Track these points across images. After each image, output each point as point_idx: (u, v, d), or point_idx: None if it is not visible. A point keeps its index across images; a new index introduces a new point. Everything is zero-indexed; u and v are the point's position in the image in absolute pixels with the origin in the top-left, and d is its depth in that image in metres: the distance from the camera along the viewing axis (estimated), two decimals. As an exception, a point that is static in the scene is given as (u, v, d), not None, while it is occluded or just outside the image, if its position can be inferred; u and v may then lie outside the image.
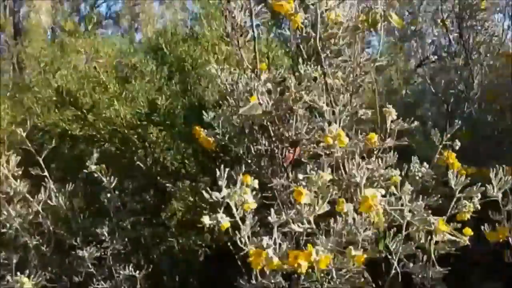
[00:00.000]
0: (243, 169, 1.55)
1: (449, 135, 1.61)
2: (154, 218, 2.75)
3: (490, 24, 2.47)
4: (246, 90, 1.52)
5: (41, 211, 1.76)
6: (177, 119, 2.62)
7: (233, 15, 1.55)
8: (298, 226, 1.14)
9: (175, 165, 2.86)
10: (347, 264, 1.16)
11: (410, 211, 1.17)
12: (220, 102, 2.17)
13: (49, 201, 1.79)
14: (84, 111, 2.84)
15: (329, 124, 1.30)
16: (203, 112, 1.66)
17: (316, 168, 1.30)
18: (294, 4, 1.32)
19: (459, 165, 1.65)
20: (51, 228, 1.79)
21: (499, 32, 2.53)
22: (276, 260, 1.11)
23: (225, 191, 1.14)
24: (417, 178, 1.51)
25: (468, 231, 1.27)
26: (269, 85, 1.45)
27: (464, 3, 2.35)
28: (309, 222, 1.15)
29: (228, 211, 1.28)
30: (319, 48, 1.34)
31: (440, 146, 1.62)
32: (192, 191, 2.76)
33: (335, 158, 1.32)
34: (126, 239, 1.99)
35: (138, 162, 2.83)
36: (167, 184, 2.80)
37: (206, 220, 1.20)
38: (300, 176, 1.26)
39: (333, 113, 1.31)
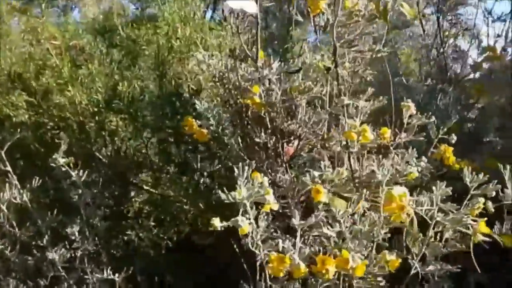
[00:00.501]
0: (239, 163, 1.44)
1: (445, 129, 1.58)
2: (117, 212, 2.58)
3: (464, 18, 2.49)
4: (247, 79, 1.40)
5: (5, 209, 1.55)
6: (143, 107, 2.45)
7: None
8: (329, 229, 1.05)
9: (138, 156, 2.68)
10: (373, 268, 1.09)
11: (440, 210, 1.11)
12: (208, 90, 2.04)
13: (13, 199, 1.58)
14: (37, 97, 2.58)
15: (349, 118, 1.21)
16: (195, 101, 1.52)
17: (325, 164, 1.21)
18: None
19: (454, 159, 1.64)
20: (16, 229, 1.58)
21: (471, 26, 2.56)
22: (303, 266, 1.02)
23: (245, 191, 1.02)
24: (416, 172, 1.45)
25: (485, 227, 1.23)
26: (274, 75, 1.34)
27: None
28: (340, 225, 1.06)
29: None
30: (334, 36, 1.24)
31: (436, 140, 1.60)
32: (156, 183, 2.61)
33: (352, 154, 1.23)
34: (97, 238, 1.82)
35: (96, 153, 2.63)
36: (130, 176, 2.63)
37: (216, 222, 1.07)
38: (316, 173, 1.17)
39: (356, 107, 1.22)
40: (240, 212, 1.03)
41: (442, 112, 1.95)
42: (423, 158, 1.43)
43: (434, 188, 1.10)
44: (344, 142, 1.37)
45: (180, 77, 2.24)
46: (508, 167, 1.30)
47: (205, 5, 2.92)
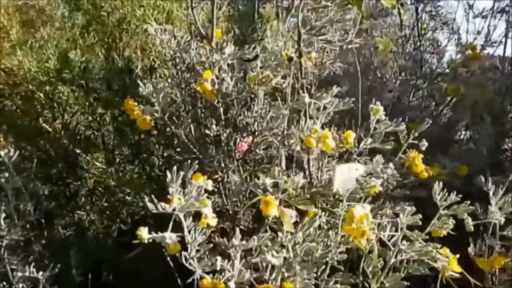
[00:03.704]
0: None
1: (416, 134, 1.44)
2: (62, 193, 2.39)
3: (444, 11, 2.35)
4: (199, 62, 1.22)
5: None
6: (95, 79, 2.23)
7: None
8: (273, 255, 0.89)
9: (89, 133, 2.47)
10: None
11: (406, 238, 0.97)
12: (159, 69, 1.84)
13: None
14: (-20, 60, 2.34)
15: (310, 119, 1.05)
16: (139, 82, 1.32)
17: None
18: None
19: (423, 167, 1.50)
20: None
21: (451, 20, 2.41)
22: (239, 296, 0.87)
23: (177, 202, 0.86)
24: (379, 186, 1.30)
25: (456, 266, 1.10)
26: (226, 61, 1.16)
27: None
28: (287, 250, 0.90)
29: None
30: (300, 21, 1.06)
31: (405, 145, 1.46)
32: (108, 164, 2.42)
33: (307, 159, 1.07)
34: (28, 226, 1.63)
35: (44, 125, 2.41)
36: (79, 154, 2.43)
37: (144, 233, 0.91)
38: (268, 181, 1.01)
39: (318, 108, 1.05)
40: (170, 225, 0.87)
41: (414, 111, 1.81)
42: (390, 165, 1.29)
43: (400, 212, 0.96)
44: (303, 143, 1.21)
45: (136, 52, 2.04)
46: (490, 180, 1.17)
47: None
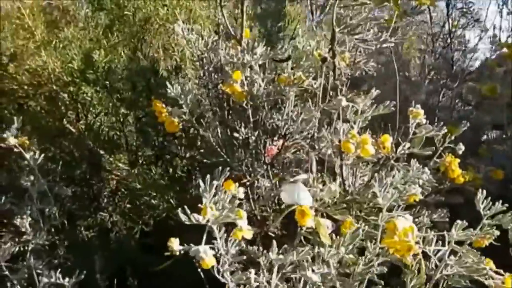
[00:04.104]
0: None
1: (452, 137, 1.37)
2: (86, 194, 2.38)
3: (476, 8, 2.25)
4: (228, 62, 1.17)
5: None
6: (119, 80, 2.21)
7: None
8: (314, 271, 0.84)
9: (112, 134, 2.46)
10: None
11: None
12: (184, 69, 1.80)
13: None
14: (4, 59, 2.34)
15: (346, 123, 0.99)
16: (166, 83, 1.28)
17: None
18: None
19: (460, 172, 1.43)
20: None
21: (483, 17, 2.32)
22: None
23: (210, 213, 0.81)
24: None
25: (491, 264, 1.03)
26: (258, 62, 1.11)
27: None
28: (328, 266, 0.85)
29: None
30: (334, 19, 1.01)
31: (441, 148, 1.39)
32: (131, 165, 2.40)
33: (344, 165, 1.02)
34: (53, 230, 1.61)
35: (68, 126, 2.41)
36: (103, 155, 2.41)
37: (175, 245, 0.86)
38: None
39: (356, 112, 1.00)
40: (204, 238, 0.82)
41: (445, 113, 1.73)
42: (426, 169, 1.22)
43: (452, 228, 0.90)
44: (336, 145, 1.15)
45: (158, 51, 2.01)
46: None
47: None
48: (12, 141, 1.50)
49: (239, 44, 1.25)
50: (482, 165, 1.67)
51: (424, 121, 1.07)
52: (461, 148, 1.39)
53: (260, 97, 1.17)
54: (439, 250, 0.90)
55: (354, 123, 1.01)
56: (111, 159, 2.42)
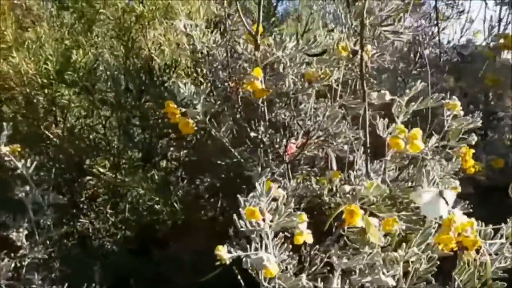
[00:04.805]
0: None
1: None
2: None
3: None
4: (245, 59, 1.11)
5: None
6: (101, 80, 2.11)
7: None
8: (385, 274, 0.80)
9: (94, 137, 2.34)
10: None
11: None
12: (188, 68, 1.72)
13: None
14: (-26, 63, 2.18)
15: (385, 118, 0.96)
16: (179, 83, 1.21)
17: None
18: None
19: (472, 163, 1.44)
20: None
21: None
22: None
23: (268, 217, 0.76)
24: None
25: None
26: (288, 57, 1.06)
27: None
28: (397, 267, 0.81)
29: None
30: (365, 9, 0.97)
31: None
32: (116, 169, 2.30)
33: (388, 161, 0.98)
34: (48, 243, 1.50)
35: (46, 132, 2.28)
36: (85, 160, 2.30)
37: (224, 253, 0.80)
38: (347, 187, 0.92)
39: (400, 105, 0.97)
40: (263, 245, 0.76)
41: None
42: (450, 164, 1.21)
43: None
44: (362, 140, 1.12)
45: (148, 49, 1.91)
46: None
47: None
48: (3, 149, 1.39)
49: (254, 40, 1.19)
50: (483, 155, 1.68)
51: (461, 113, 1.05)
52: (474, 138, 1.39)
53: (287, 94, 1.12)
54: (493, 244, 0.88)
55: (397, 117, 0.98)
56: (93, 163, 2.32)
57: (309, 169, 1.38)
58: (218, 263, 0.80)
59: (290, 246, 0.82)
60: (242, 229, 0.76)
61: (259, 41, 1.20)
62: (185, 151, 2.09)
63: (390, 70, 1.49)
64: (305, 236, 0.81)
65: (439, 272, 0.98)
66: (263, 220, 0.75)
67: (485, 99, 2.04)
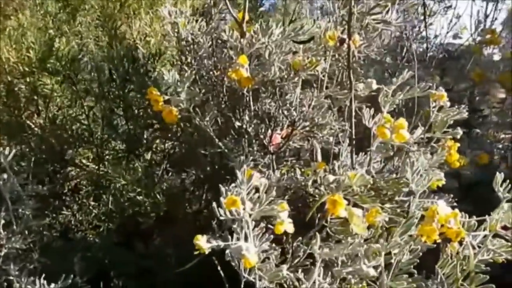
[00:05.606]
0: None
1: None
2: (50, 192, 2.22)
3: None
4: (231, 47, 1.09)
5: None
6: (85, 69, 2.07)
7: None
8: (366, 264, 0.78)
9: (77, 127, 2.30)
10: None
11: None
12: (173, 56, 1.69)
13: None
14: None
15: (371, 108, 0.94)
16: (163, 71, 1.19)
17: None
18: None
19: (458, 157, 1.43)
20: None
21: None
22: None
23: (249, 205, 0.74)
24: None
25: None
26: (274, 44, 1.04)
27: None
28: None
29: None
30: (353, -2, 0.95)
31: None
32: (99, 161, 2.26)
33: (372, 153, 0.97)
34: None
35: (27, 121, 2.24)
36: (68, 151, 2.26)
37: (203, 243, 0.78)
38: (330, 178, 0.90)
39: (386, 94, 0.95)
40: (243, 234, 0.74)
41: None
42: (434, 156, 1.19)
43: (495, 211, 0.87)
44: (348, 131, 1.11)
45: (132, 38, 1.87)
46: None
47: None
48: (-20, 136, 1.34)
49: (240, 27, 1.17)
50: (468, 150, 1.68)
51: (447, 104, 1.04)
52: (459, 132, 1.39)
53: (272, 83, 1.10)
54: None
55: (384, 107, 0.97)
56: (76, 154, 2.28)
57: (294, 160, 1.36)
58: (197, 252, 0.78)
59: (272, 237, 0.80)
60: (222, 218, 0.74)
61: (245, 28, 1.18)
62: (170, 143, 2.07)
63: (377, 63, 1.48)
64: (286, 225, 0.79)
65: (423, 265, 0.97)
66: (244, 209, 0.73)
67: (471, 95, 2.05)
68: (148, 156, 2.23)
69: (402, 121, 0.92)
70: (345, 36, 1.02)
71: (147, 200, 1.72)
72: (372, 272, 0.80)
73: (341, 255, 0.81)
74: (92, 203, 2.36)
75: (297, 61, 1.09)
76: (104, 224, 2.30)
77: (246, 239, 0.79)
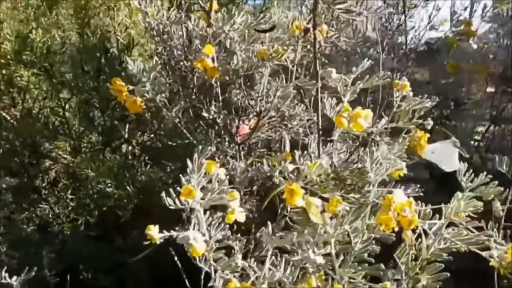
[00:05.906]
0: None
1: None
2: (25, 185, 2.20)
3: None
4: (198, 36, 1.07)
5: None
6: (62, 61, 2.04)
7: None
8: (315, 252, 0.77)
9: (53, 119, 2.28)
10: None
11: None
12: (144, 46, 1.67)
13: None
14: None
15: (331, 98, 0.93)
16: (128, 60, 1.17)
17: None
18: None
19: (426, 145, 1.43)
20: None
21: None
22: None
23: (199, 195, 0.73)
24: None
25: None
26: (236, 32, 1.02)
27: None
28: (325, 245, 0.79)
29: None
30: (316, -13, 0.94)
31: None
32: (75, 153, 2.24)
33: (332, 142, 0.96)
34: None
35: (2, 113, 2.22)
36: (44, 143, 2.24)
37: (154, 233, 0.77)
38: (290, 167, 0.89)
39: (345, 83, 0.94)
40: (192, 224, 0.73)
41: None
42: (396, 146, 1.19)
43: (453, 200, 0.87)
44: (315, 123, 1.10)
45: (108, 29, 1.85)
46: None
47: None
48: None
49: (208, 16, 1.15)
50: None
51: (410, 94, 1.03)
52: (430, 123, 1.38)
53: (236, 72, 1.08)
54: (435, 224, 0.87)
55: (344, 96, 0.96)
56: (51, 147, 2.26)
57: (265, 151, 1.35)
58: (147, 242, 0.77)
59: (235, 227, 0.79)
60: (170, 207, 0.73)
61: (212, 18, 1.16)
62: (145, 135, 2.05)
63: (358, 54, 1.47)
64: (237, 214, 0.78)
65: (390, 255, 0.97)
66: (194, 197, 0.72)
67: (452, 87, 2.05)
68: (125, 149, 2.21)
69: (360, 109, 0.91)
70: (309, 26, 1.01)
71: (117, 192, 1.70)
72: (320, 260, 0.79)
73: (291, 244, 0.80)
74: (70, 196, 2.34)
75: (262, 51, 1.08)
76: (81, 217, 2.27)
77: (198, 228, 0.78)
